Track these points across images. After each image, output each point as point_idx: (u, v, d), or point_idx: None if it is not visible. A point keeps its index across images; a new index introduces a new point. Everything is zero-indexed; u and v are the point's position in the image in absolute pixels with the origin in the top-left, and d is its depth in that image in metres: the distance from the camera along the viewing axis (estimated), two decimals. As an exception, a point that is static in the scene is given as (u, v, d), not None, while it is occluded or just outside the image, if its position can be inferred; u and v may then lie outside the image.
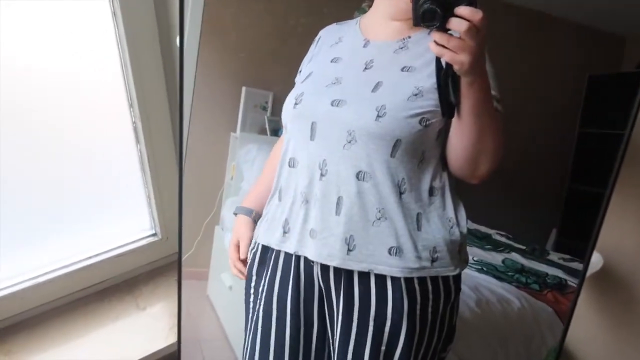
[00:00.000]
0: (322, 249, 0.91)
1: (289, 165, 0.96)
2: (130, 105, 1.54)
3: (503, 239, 1.43)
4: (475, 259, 1.32)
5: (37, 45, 1.34)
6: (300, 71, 1.05)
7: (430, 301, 0.92)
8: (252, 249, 1.05)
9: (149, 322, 1.53)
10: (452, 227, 0.94)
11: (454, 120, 0.86)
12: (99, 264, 1.58)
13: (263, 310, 1.00)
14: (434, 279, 0.93)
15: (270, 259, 1.01)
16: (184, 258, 1.52)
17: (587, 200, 1.30)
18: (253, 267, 1.04)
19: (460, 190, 1.39)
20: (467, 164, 0.89)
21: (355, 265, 0.91)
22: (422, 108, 0.88)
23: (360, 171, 0.89)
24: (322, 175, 0.91)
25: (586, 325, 0.97)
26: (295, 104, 0.93)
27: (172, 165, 1.65)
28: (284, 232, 0.97)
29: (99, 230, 1.62)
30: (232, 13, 1.71)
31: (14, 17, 1.27)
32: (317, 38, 1.06)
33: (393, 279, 0.91)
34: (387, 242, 0.89)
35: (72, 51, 1.40)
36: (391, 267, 0.90)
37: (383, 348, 0.92)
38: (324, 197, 0.90)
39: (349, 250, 0.90)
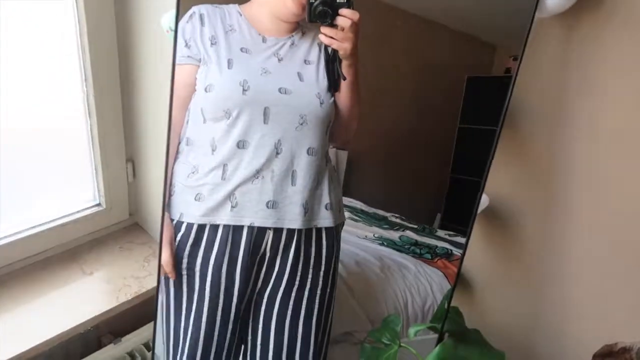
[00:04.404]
0: (285, 215, 1.06)
1: (238, 147, 1.03)
2: (85, 80, 1.54)
3: (398, 220, 1.61)
4: (376, 235, 1.47)
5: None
6: (189, 46, 1.05)
7: (339, 243, 1.17)
8: (181, 233, 1.08)
9: (98, 286, 1.53)
10: (340, 185, 1.20)
11: (338, 94, 1.10)
12: (42, 233, 1.56)
13: (210, 285, 1.07)
14: (341, 225, 1.18)
15: (203, 237, 1.07)
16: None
17: (467, 189, 1.51)
18: (185, 249, 1.08)
19: (359, 181, 1.55)
20: (344, 127, 1.13)
21: (309, 224, 1.09)
22: (333, 94, 1.09)
23: (310, 147, 1.06)
24: (277, 153, 1.04)
25: (480, 255, 1.22)
26: (244, 90, 1.01)
27: (120, 138, 1.68)
28: (232, 207, 1.05)
29: (40, 200, 1.59)
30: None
31: None
32: (197, 14, 1.06)
33: (327, 229, 1.11)
34: (324, 200, 1.10)
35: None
36: (328, 219, 1.11)
37: (318, 291, 1.11)
38: (281, 172, 1.04)
39: (305, 212, 1.07)
